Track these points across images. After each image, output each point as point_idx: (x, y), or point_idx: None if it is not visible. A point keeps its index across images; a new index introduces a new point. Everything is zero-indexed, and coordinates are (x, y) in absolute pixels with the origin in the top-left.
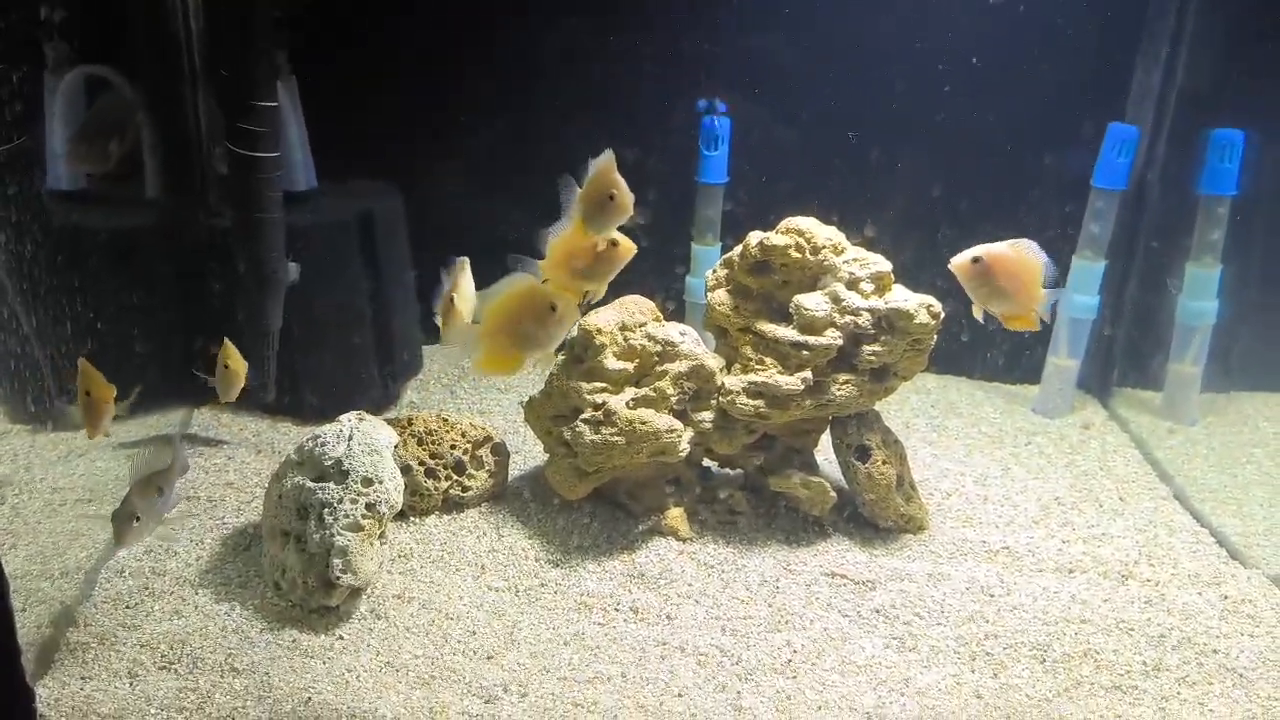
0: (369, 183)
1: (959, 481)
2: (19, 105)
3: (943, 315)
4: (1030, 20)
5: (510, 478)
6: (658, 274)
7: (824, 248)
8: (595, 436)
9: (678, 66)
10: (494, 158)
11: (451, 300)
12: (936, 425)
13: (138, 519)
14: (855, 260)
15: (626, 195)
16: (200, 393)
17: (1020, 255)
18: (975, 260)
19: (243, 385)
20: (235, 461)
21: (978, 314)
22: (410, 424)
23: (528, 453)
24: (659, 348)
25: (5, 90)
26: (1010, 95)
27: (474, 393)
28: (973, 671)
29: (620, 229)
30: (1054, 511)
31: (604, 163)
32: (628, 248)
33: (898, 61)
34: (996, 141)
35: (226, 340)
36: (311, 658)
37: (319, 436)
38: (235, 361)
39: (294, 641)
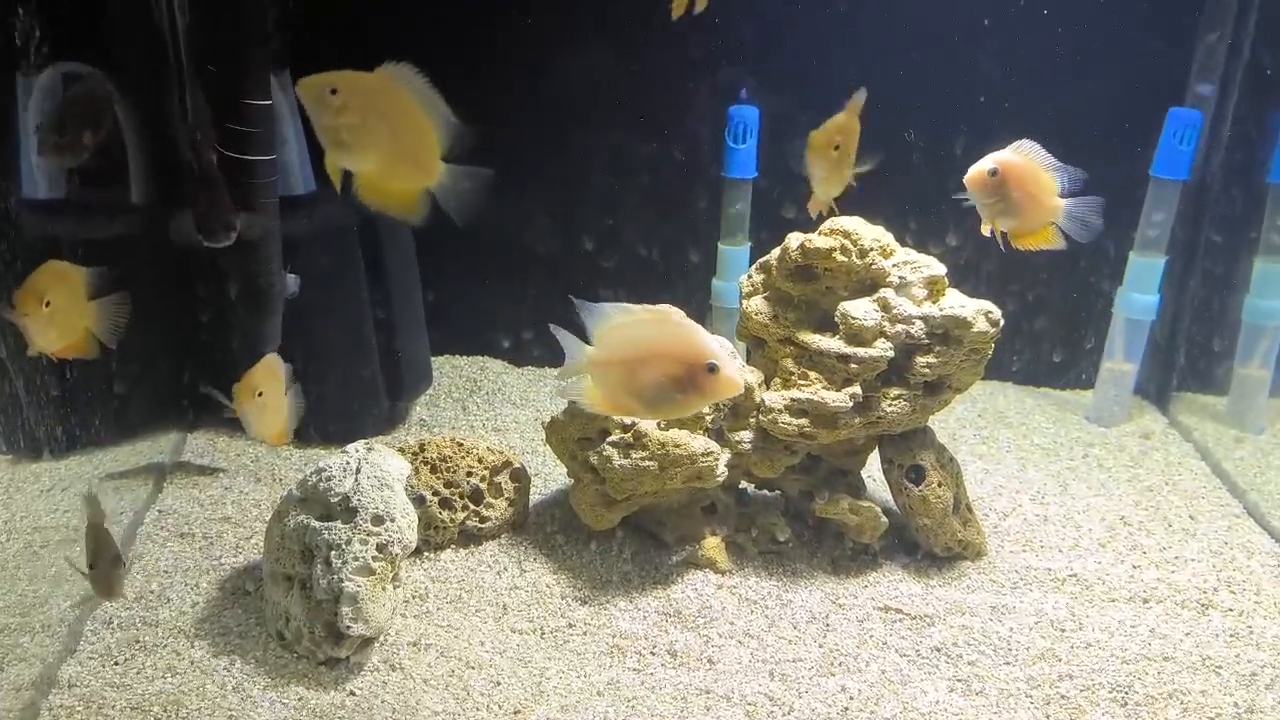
0: None
1: (1015, 500)
2: None
3: (1002, 323)
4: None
5: (530, 504)
6: (683, 277)
7: (871, 250)
8: (625, 461)
9: (708, 54)
10: (507, 155)
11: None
12: (985, 436)
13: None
14: (906, 263)
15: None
16: (194, 415)
17: (1030, 162)
18: (993, 173)
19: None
20: (233, 492)
21: (985, 231)
22: (422, 450)
23: (548, 475)
24: None
25: None
26: (1065, 79)
27: (488, 408)
28: (1047, 717)
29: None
30: (1121, 533)
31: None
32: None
33: (943, 48)
34: (1053, 129)
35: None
36: (321, 718)
37: (324, 470)
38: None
39: (301, 700)
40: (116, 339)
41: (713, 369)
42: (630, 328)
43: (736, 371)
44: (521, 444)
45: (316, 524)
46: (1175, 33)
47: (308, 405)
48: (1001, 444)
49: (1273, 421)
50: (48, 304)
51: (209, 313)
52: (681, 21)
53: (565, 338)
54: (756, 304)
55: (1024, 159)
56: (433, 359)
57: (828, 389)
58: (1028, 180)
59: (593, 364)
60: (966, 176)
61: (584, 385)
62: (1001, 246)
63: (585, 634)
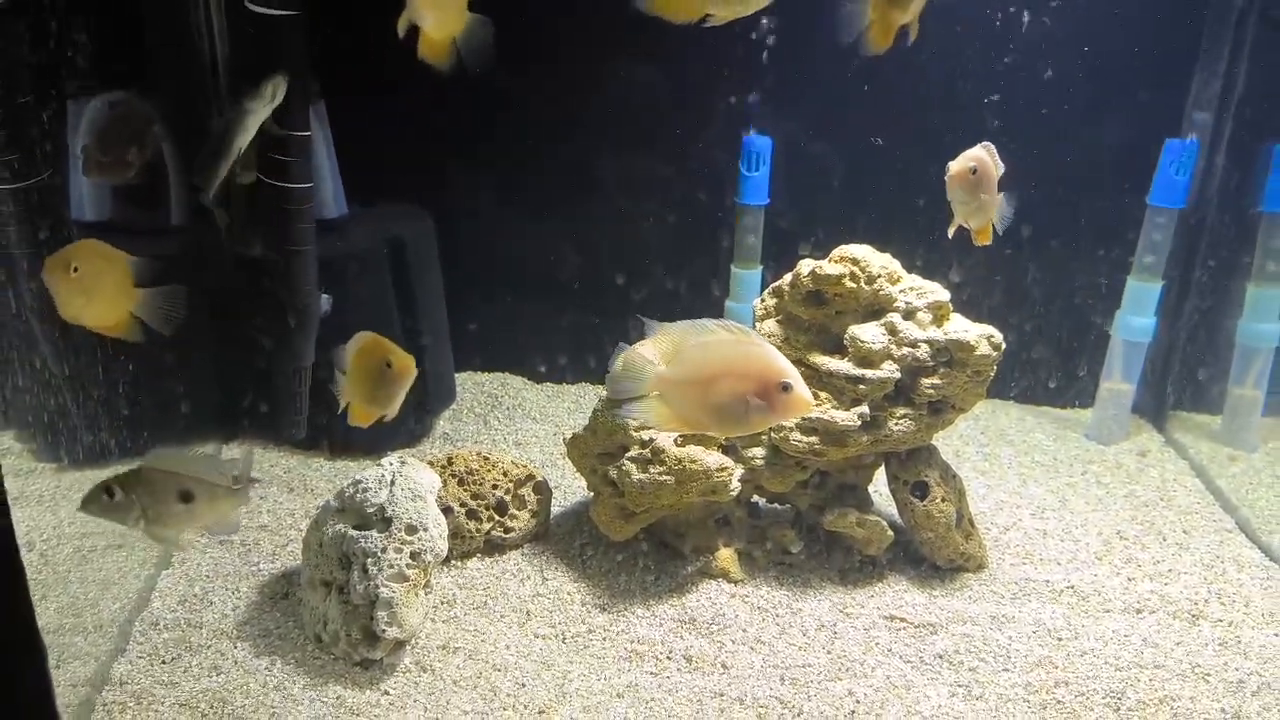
0: (399, 207)
1: (1015, 515)
2: (46, 141)
3: (1004, 346)
4: (1085, 30)
5: (551, 515)
6: (701, 298)
7: (879, 276)
8: (643, 475)
9: (721, 83)
10: (530, 178)
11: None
12: (987, 454)
13: (110, 495)
14: (912, 289)
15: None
16: (232, 429)
17: (995, 161)
18: (973, 170)
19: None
20: (268, 502)
21: (951, 232)
22: (450, 463)
23: (568, 487)
24: None
25: (31, 125)
26: (1063, 109)
27: (509, 423)
28: None
29: None
30: (1116, 546)
31: None
32: None
33: (946, 78)
34: (1050, 158)
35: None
36: (358, 716)
37: (360, 482)
38: (400, 359)
39: (339, 698)
40: (171, 329)
41: (786, 388)
42: (703, 347)
43: (808, 391)
44: (541, 457)
45: (354, 533)
46: (1172, 66)
47: (336, 418)
48: (1003, 461)
49: (1265, 440)
50: (75, 269)
51: (246, 329)
52: (703, 60)
53: (633, 357)
54: (769, 327)
55: (991, 158)
56: (455, 375)
57: (837, 408)
58: (994, 179)
59: (662, 381)
60: (949, 173)
61: (649, 405)
62: (977, 242)
63: (605, 639)
